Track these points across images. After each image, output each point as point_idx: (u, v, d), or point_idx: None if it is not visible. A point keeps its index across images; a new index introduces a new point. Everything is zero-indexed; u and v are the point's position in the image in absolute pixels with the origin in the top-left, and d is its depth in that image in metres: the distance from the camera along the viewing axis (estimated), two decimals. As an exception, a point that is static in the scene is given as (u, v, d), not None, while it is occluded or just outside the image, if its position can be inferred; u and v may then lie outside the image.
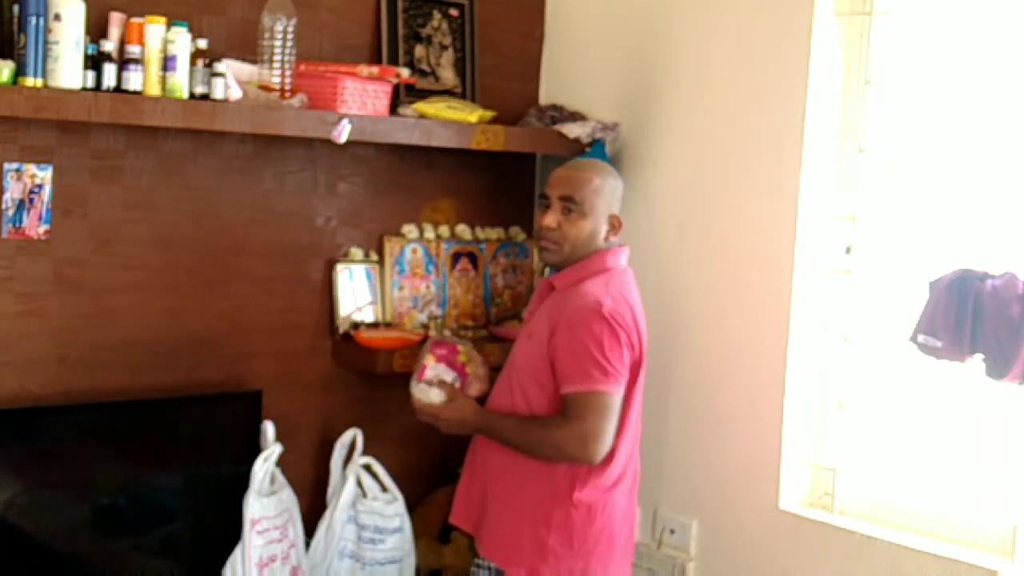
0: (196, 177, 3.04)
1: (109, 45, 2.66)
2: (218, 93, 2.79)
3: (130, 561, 2.91)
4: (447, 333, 3.39)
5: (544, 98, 3.72)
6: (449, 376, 2.87)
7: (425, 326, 3.40)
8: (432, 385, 2.84)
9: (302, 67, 3.02)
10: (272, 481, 3.05)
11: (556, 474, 2.72)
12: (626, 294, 2.77)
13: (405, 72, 3.15)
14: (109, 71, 2.65)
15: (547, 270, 2.89)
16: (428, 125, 3.16)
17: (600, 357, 2.65)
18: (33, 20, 2.51)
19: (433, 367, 2.87)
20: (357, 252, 3.35)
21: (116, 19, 2.74)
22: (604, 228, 2.80)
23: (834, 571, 2.95)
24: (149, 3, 2.82)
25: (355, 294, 3.33)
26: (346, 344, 3.27)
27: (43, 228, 2.78)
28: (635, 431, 2.82)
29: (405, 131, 3.12)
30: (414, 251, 3.45)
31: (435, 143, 3.18)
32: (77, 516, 2.84)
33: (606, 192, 2.81)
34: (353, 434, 3.22)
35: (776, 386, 3.07)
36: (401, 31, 3.39)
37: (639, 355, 2.74)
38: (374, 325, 3.32)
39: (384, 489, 3.25)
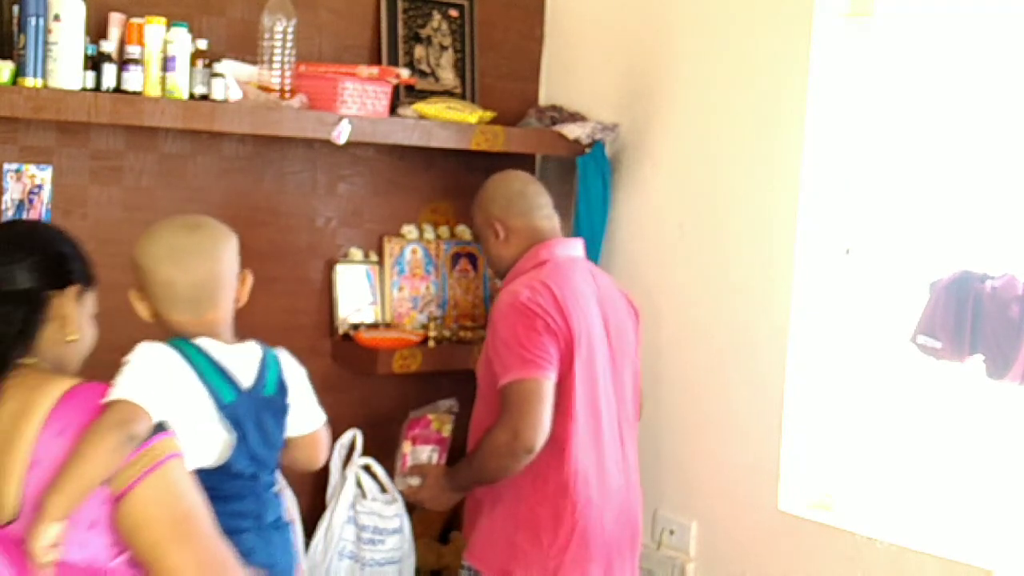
0: (196, 177, 3.03)
1: (109, 45, 2.66)
2: (218, 94, 2.79)
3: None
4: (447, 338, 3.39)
5: (544, 99, 3.72)
6: (425, 454, 3.00)
7: (425, 327, 3.40)
8: (411, 475, 2.95)
9: (302, 68, 3.02)
10: (272, 481, 3.06)
11: (521, 473, 2.72)
12: (552, 282, 2.76)
13: (405, 73, 3.15)
14: (109, 71, 2.65)
15: None
16: (428, 126, 3.16)
17: (517, 346, 2.67)
18: (33, 20, 2.51)
19: (412, 452, 2.99)
20: (357, 253, 3.35)
21: (116, 19, 2.74)
22: (493, 236, 2.91)
23: (834, 572, 2.95)
24: (149, 3, 2.82)
25: (355, 295, 3.33)
26: (346, 344, 3.27)
27: (43, 228, 2.78)
28: (588, 421, 2.78)
29: (405, 132, 3.12)
30: (414, 252, 3.45)
31: (435, 144, 3.18)
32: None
33: (481, 209, 2.95)
34: (353, 435, 3.22)
35: (776, 387, 3.07)
36: (401, 32, 3.39)
37: (570, 340, 2.73)
38: (374, 326, 3.32)
39: (383, 490, 3.24)
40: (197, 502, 1.76)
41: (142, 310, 2.09)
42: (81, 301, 1.89)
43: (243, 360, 2.01)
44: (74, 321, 1.86)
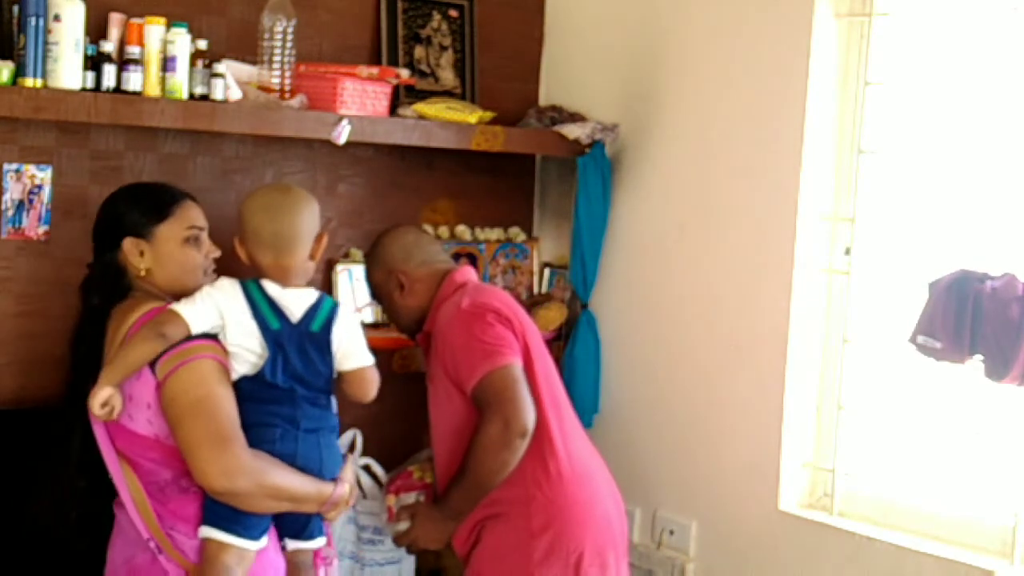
0: (196, 177, 3.03)
1: (109, 46, 2.67)
2: (218, 94, 2.79)
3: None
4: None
5: (544, 99, 3.72)
6: (411, 499, 2.91)
7: (425, 327, 3.40)
8: (400, 520, 2.87)
9: (302, 68, 3.02)
10: (272, 481, 3.07)
11: (520, 485, 2.70)
12: (485, 291, 2.83)
13: (405, 73, 3.15)
14: (109, 72, 2.65)
15: None
16: (428, 126, 3.16)
17: (477, 343, 2.68)
18: (33, 20, 2.52)
19: (396, 502, 2.92)
20: (357, 252, 3.35)
21: (116, 20, 2.74)
22: (397, 289, 2.87)
23: (833, 572, 2.95)
24: (149, 3, 2.82)
25: (355, 294, 3.33)
26: (346, 344, 3.26)
27: (43, 229, 2.79)
28: (556, 412, 2.77)
29: (405, 132, 3.12)
30: (414, 252, 3.45)
31: (435, 144, 3.19)
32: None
33: (380, 266, 2.91)
34: (352, 435, 3.22)
35: (775, 387, 3.07)
36: (401, 32, 3.39)
37: (522, 331, 2.75)
38: (374, 325, 3.32)
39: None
40: (219, 392, 2.28)
41: (241, 253, 2.50)
42: (151, 241, 2.44)
43: (297, 300, 2.44)
44: (136, 263, 2.42)
